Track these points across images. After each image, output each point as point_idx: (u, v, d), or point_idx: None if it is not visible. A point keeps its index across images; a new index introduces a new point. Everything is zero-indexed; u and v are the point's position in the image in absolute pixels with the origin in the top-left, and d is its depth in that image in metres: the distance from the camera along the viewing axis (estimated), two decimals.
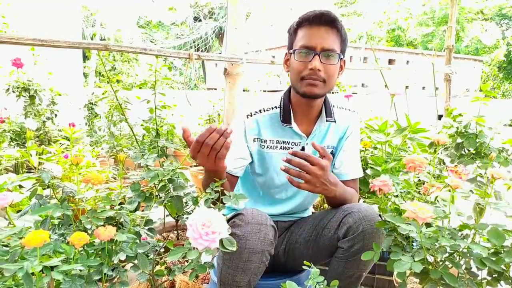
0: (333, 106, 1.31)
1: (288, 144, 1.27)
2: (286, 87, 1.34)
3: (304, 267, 1.01)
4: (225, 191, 1.02)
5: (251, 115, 1.26)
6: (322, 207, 1.99)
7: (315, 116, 1.28)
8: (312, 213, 1.47)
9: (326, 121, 1.26)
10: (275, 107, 1.28)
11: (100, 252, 0.94)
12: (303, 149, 1.27)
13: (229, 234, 1.00)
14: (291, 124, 1.24)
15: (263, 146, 1.27)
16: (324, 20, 1.15)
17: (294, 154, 1.05)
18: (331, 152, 1.32)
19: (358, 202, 1.63)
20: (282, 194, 1.33)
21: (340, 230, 1.15)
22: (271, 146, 1.27)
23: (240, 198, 1.03)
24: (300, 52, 1.17)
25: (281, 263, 1.33)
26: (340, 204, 1.23)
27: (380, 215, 1.13)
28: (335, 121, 1.28)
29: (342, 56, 1.20)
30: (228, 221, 1.10)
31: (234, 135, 1.26)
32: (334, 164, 1.33)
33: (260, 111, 1.27)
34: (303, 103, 1.24)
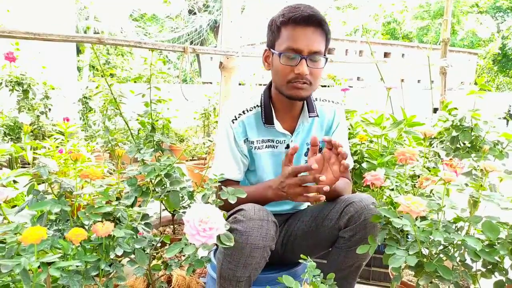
0: (316, 99, 1.30)
1: (273, 142, 1.27)
2: None
3: (300, 260, 1.02)
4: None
5: (236, 119, 1.24)
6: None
7: (297, 112, 1.27)
8: (308, 206, 1.48)
9: (309, 116, 1.25)
10: (257, 106, 1.27)
11: (97, 248, 0.93)
12: (287, 146, 1.27)
13: (231, 230, 1.00)
14: (273, 125, 1.23)
15: (251, 147, 1.27)
16: (311, 22, 1.11)
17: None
18: (318, 147, 1.32)
19: (353, 193, 1.63)
20: None
21: (342, 219, 1.16)
22: (258, 147, 1.26)
23: (239, 194, 1.03)
24: (286, 55, 1.13)
25: (278, 255, 1.33)
26: (336, 196, 1.23)
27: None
28: (317, 116, 1.28)
29: (326, 57, 1.18)
30: (229, 216, 1.10)
31: (225, 141, 1.25)
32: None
33: (243, 112, 1.25)
34: (285, 102, 1.23)
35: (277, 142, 1.27)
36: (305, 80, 1.13)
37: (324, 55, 1.17)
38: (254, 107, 1.27)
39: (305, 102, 1.26)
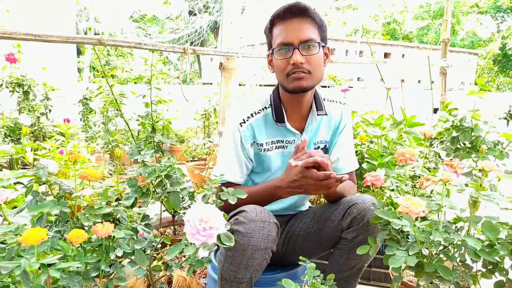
0: (324, 99, 1.30)
1: (283, 142, 1.27)
2: None
3: (300, 262, 1.02)
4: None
5: (245, 122, 1.24)
6: (318, 202, 2.00)
7: (306, 111, 1.27)
8: (309, 207, 1.48)
9: (318, 115, 1.25)
10: (266, 107, 1.27)
11: (97, 249, 0.94)
12: None
13: (233, 231, 1.00)
14: (285, 123, 1.23)
15: (260, 150, 1.26)
16: (295, 12, 1.13)
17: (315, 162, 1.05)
18: (325, 147, 1.32)
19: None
20: None
21: (345, 221, 1.16)
22: (268, 149, 1.26)
23: (238, 194, 1.03)
24: (279, 50, 1.15)
25: (279, 256, 1.33)
26: (338, 197, 1.24)
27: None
28: (326, 114, 1.28)
29: (323, 44, 1.18)
30: (230, 218, 1.10)
31: (231, 144, 1.24)
32: (329, 158, 1.33)
33: (251, 115, 1.25)
34: (293, 99, 1.23)
35: (287, 142, 1.27)
36: (302, 69, 1.13)
37: (322, 43, 1.17)
38: (263, 109, 1.26)
39: (313, 101, 1.26)
